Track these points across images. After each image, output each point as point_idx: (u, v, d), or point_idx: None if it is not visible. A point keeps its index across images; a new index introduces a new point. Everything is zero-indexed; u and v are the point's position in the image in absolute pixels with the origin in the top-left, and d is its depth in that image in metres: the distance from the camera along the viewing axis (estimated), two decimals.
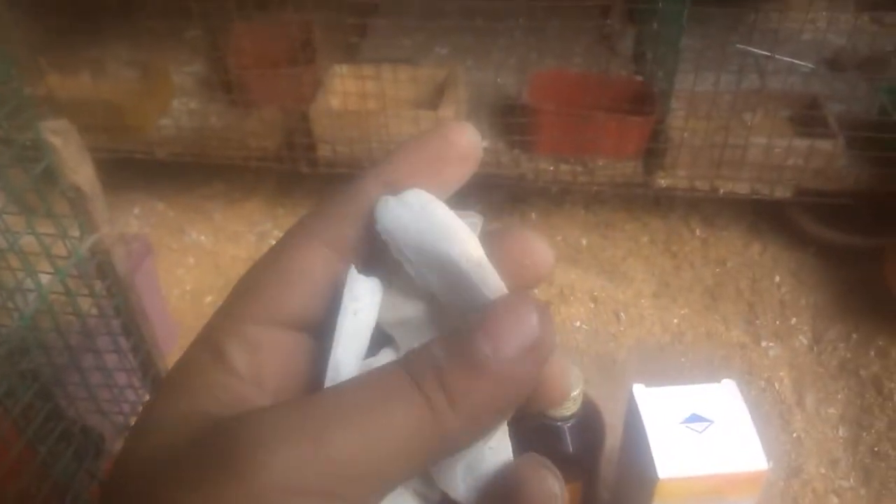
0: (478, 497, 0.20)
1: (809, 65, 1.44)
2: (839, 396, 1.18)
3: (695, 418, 0.81)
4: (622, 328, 1.29)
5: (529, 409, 0.21)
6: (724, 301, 1.33)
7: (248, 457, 0.17)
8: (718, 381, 0.86)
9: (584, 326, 1.30)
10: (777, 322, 1.29)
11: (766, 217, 1.45)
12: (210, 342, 0.21)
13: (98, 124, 1.35)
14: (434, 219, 0.21)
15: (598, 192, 1.42)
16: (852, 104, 1.39)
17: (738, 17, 1.47)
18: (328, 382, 0.20)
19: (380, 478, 0.18)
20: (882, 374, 1.19)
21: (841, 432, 1.13)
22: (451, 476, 0.20)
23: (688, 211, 1.49)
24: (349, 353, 0.21)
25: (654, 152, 1.33)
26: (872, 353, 1.22)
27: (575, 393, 0.80)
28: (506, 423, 0.21)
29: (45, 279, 0.71)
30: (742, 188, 1.33)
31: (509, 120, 1.35)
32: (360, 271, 0.22)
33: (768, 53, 1.36)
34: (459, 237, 0.21)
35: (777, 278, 1.36)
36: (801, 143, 1.27)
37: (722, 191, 1.34)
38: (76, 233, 0.74)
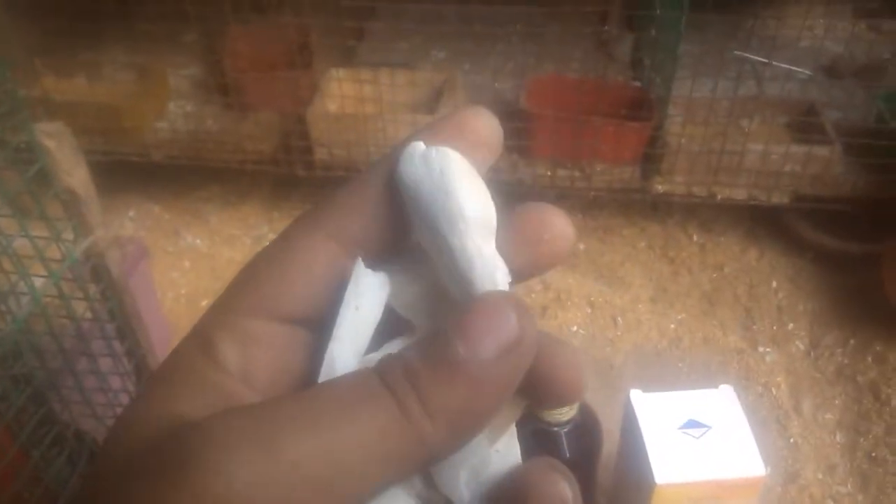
0: (482, 503, 0.19)
1: (807, 72, 1.44)
2: (836, 402, 1.18)
3: (692, 424, 0.81)
4: (619, 333, 1.29)
5: (542, 407, 0.21)
6: (722, 306, 1.33)
7: (196, 464, 0.16)
8: (716, 387, 0.86)
9: (581, 331, 1.29)
10: (774, 328, 1.29)
11: (764, 223, 1.45)
12: (201, 336, 0.20)
13: (94, 126, 1.35)
14: (448, 188, 0.20)
15: (595, 198, 1.42)
16: (849, 111, 1.40)
17: (736, 23, 1.47)
18: (322, 379, 0.19)
19: (348, 488, 0.17)
20: (879, 380, 1.19)
21: (838, 438, 1.13)
22: (453, 481, 0.19)
23: (685, 216, 1.49)
24: (347, 350, 0.20)
25: (651, 158, 1.33)
26: (870, 358, 1.22)
27: None
28: (514, 425, 0.21)
29: (38, 282, 0.70)
30: (739, 194, 1.33)
31: (507, 125, 1.34)
32: (367, 265, 0.20)
33: (766, 60, 1.36)
34: (465, 215, 0.19)
35: (774, 284, 1.36)
36: (799, 150, 1.27)
37: (719, 197, 1.34)
38: (70, 236, 0.74)
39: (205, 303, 1.36)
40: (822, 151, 1.27)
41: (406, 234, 0.21)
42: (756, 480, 0.77)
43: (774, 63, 1.35)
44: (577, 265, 1.41)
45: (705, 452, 0.78)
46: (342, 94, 1.35)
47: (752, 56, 1.36)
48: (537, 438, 0.82)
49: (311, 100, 1.35)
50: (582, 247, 1.45)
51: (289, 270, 0.21)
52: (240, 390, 0.20)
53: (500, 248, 0.21)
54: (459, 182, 0.20)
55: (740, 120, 1.32)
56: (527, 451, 0.20)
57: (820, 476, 1.08)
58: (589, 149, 1.31)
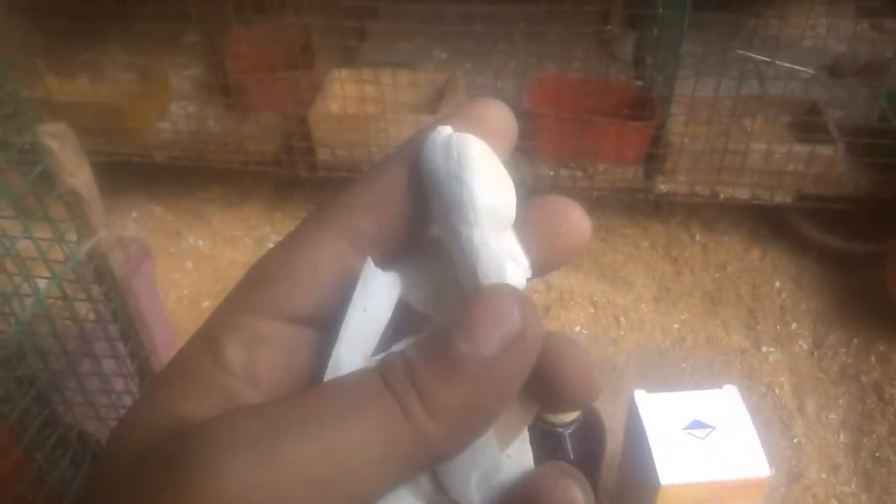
0: None
1: (810, 71, 1.44)
2: (840, 402, 1.17)
3: (697, 424, 0.81)
4: (622, 333, 1.29)
5: (553, 411, 0.20)
6: (725, 306, 1.33)
7: (197, 466, 0.16)
8: (719, 387, 0.85)
9: (583, 331, 1.29)
10: (777, 327, 1.29)
11: (767, 222, 1.45)
12: (207, 335, 0.20)
13: (96, 127, 1.35)
14: (462, 175, 0.19)
15: (598, 197, 1.41)
16: (852, 110, 1.39)
17: (739, 22, 1.47)
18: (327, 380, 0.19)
19: (350, 490, 0.17)
20: (883, 380, 1.18)
21: (842, 438, 1.13)
22: (463, 485, 0.19)
23: (688, 216, 1.48)
24: (353, 351, 0.19)
25: (654, 157, 1.33)
26: (873, 358, 1.22)
27: None
28: (526, 430, 0.20)
29: (41, 284, 0.70)
30: (742, 193, 1.33)
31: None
32: (377, 265, 0.20)
33: (769, 59, 1.36)
34: (476, 205, 0.19)
35: (777, 283, 1.36)
36: (802, 149, 1.27)
37: (722, 196, 1.34)
38: (73, 237, 0.73)
39: (207, 304, 1.36)
40: (825, 151, 1.27)
41: (424, 228, 0.21)
42: (761, 481, 0.77)
43: (777, 62, 1.34)
44: (580, 265, 1.40)
45: (710, 453, 0.78)
46: (344, 94, 1.34)
47: (754, 55, 1.36)
48: (541, 439, 0.82)
49: (312, 100, 1.35)
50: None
51: (297, 270, 0.20)
52: (244, 391, 0.19)
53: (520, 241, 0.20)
54: (474, 169, 0.19)
55: (743, 119, 1.32)
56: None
57: (824, 476, 1.08)
58: (591, 148, 1.30)
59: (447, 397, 0.17)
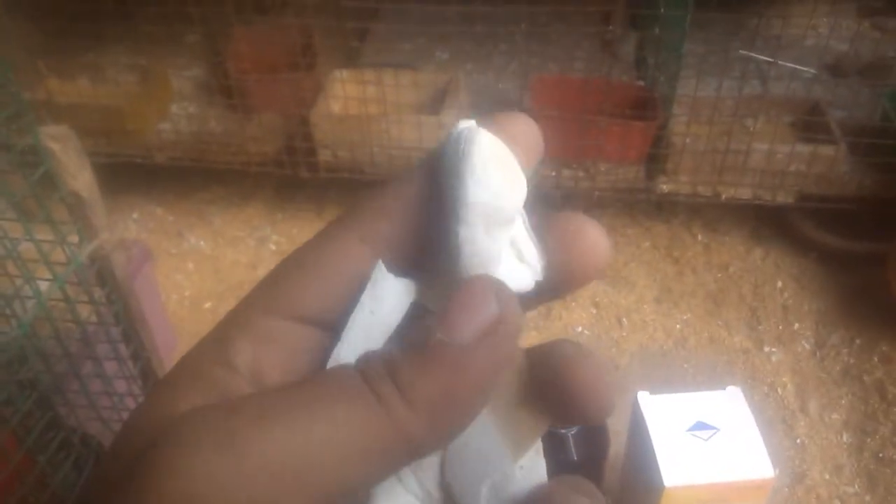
0: None
1: (812, 70, 1.44)
2: (843, 402, 1.17)
3: (700, 426, 0.81)
4: (624, 334, 1.29)
5: (567, 423, 0.20)
6: (727, 306, 1.33)
7: (157, 465, 0.16)
8: (722, 388, 0.85)
9: (585, 332, 1.29)
10: (780, 327, 1.29)
11: (769, 222, 1.45)
12: (218, 334, 0.20)
13: (97, 128, 1.35)
14: (461, 168, 0.19)
15: (600, 198, 1.41)
16: (854, 110, 1.39)
17: (741, 22, 1.47)
18: None
19: (325, 484, 0.16)
20: (886, 380, 1.18)
21: (845, 438, 1.13)
22: (473, 496, 0.19)
23: (690, 216, 1.48)
24: (355, 353, 0.19)
25: (656, 157, 1.32)
26: (876, 358, 1.22)
27: None
28: (539, 441, 0.20)
29: (43, 286, 0.70)
30: (744, 193, 1.33)
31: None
32: (394, 268, 0.20)
33: (770, 59, 1.36)
34: (467, 200, 0.19)
35: (779, 284, 1.36)
36: (804, 149, 1.27)
37: (724, 196, 1.33)
38: (75, 239, 0.73)
39: (209, 305, 1.36)
40: (827, 150, 1.26)
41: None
42: (765, 482, 0.77)
43: (779, 62, 1.34)
44: None
45: (714, 455, 0.78)
46: (345, 95, 1.34)
47: (756, 55, 1.36)
48: (544, 440, 0.82)
49: (314, 101, 1.35)
50: None
51: (313, 271, 0.20)
52: (246, 390, 0.19)
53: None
54: (473, 164, 0.19)
55: (745, 119, 1.31)
56: None
57: (827, 476, 1.08)
58: (593, 149, 1.30)
59: (425, 387, 0.17)
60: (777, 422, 1.14)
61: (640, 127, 1.31)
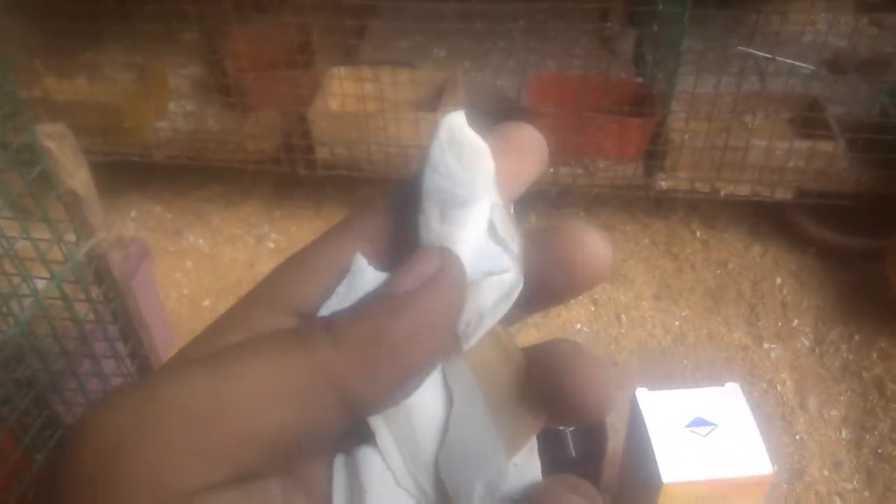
0: None
1: (810, 66, 1.43)
2: (842, 398, 1.17)
3: (699, 422, 0.81)
4: (623, 330, 1.29)
5: (563, 423, 0.19)
6: (726, 303, 1.33)
7: (85, 419, 0.16)
8: (721, 384, 0.85)
9: (584, 329, 1.29)
10: (779, 324, 1.29)
11: (767, 219, 1.45)
12: (218, 326, 0.20)
13: (95, 127, 1.34)
14: (426, 155, 0.19)
15: (598, 195, 1.41)
16: (853, 106, 1.39)
17: (739, 18, 1.46)
18: None
19: (243, 424, 0.16)
20: (885, 376, 1.18)
21: (844, 434, 1.13)
22: (467, 494, 0.19)
23: (689, 213, 1.48)
24: None
25: (654, 154, 1.32)
26: (875, 354, 1.22)
27: None
28: (534, 439, 0.20)
29: (40, 284, 0.70)
30: (743, 190, 1.33)
31: (509, 122, 1.35)
32: (388, 265, 0.20)
33: (769, 55, 1.35)
34: (424, 185, 0.19)
35: (778, 280, 1.36)
36: (802, 145, 1.27)
37: (723, 192, 1.33)
38: (72, 237, 0.73)
39: (207, 302, 1.36)
40: (825, 146, 1.26)
41: None
42: (763, 479, 0.77)
43: (777, 58, 1.34)
44: None
45: (712, 451, 0.78)
46: (343, 92, 1.34)
47: (755, 51, 1.36)
48: (541, 437, 0.82)
49: (312, 99, 1.35)
50: None
51: (311, 267, 0.20)
52: None
53: (535, 268, 0.20)
54: (431, 152, 0.19)
55: (743, 115, 1.31)
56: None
57: (826, 473, 1.08)
58: (592, 146, 1.30)
59: (356, 330, 0.17)
60: (776, 418, 1.14)
61: (639, 124, 1.31)
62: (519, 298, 0.19)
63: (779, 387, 1.19)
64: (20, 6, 1.42)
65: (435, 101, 1.37)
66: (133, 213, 1.54)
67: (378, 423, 0.19)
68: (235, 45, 1.43)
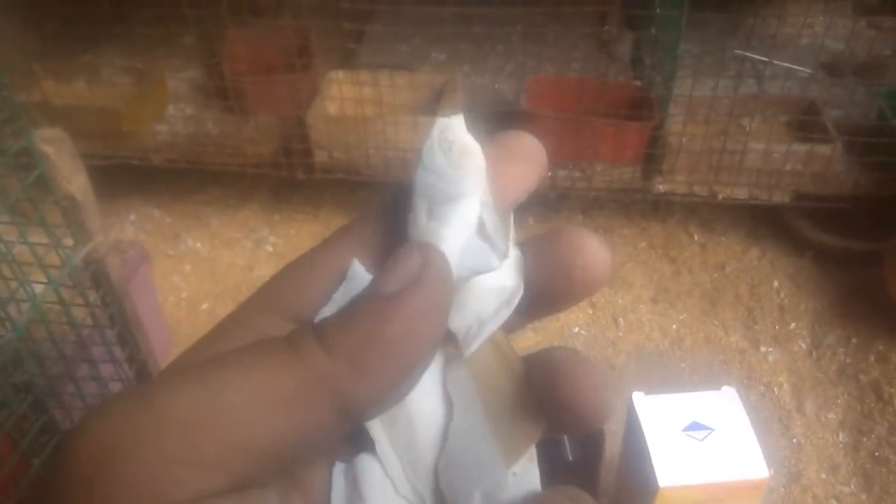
0: None
1: (807, 70, 1.44)
2: (839, 401, 1.17)
3: (695, 426, 0.81)
4: (621, 334, 1.29)
5: (562, 431, 0.19)
6: (723, 306, 1.33)
7: (81, 426, 0.16)
8: (718, 388, 0.85)
9: (582, 332, 1.29)
10: (776, 327, 1.29)
11: (765, 222, 1.45)
12: (218, 331, 0.20)
13: (93, 130, 1.35)
14: (431, 164, 0.19)
15: (596, 198, 1.41)
16: (850, 109, 1.39)
17: (737, 22, 1.47)
18: None
19: (235, 433, 0.16)
20: (882, 379, 1.18)
21: (841, 437, 1.13)
22: (465, 503, 0.19)
23: (686, 216, 1.48)
24: None
25: (652, 158, 1.33)
26: (872, 357, 1.22)
27: None
28: (533, 448, 0.19)
29: (38, 289, 0.70)
30: (740, 193, 1.33)
31: (507, 126, 1.34)
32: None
33: (766, 59, 1.36)
34: (415, 183, 0.19)
35: (776, 283, 1.36)
36: (800, 148, 1.27)
37: (720, 196, 1.33)
38: (69, 242, 0.73)
39: (206, 306, 1.36)
40: (823, 150, 1.27)
41: None
42: (759, 483, 0.77)
43: (775, 61, 1.34)
44: None
45: (708, 455, 0.78)
46: (342, 96, 1.34)
47: (752, 55, 1.36)
48: (539, 442, 0.82)
49: (310, 102, 1.35)
50: None
51: (311, 272, 0.21)
52: None
53: (536, 275, 0.20)
54: (422, 152, 0.19)
55: (741, 119, 1.31)
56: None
57: (823, 476, 1.08)
58: (589, 149, 1.30)
59: (346, 335, 0.17)
60: (773, 421, 1.14)
61: (637, 127, 1.31)
62: (519, 305, 0.20)
63: (776, 390, 1.19)
64: (18, 9, 1.42)
65: (433, 105, 1.37)
66: (132, 217, 1.54)
67: (377, 431, 0.19)
68: (234, 49, 1.44)
